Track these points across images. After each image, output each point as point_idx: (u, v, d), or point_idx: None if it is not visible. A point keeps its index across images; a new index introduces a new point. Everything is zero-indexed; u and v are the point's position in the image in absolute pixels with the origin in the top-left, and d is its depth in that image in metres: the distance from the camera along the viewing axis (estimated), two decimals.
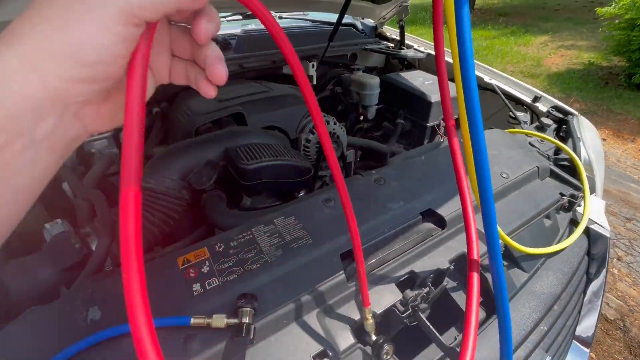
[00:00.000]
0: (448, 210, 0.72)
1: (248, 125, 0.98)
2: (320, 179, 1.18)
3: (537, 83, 4.87)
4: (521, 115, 1.18)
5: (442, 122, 1.44)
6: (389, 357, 0.50)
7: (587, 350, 0.76)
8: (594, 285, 0.85)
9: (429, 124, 1.42)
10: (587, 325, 0.79)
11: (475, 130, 0.37)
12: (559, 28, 7.06)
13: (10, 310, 0.56)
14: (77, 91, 0.23)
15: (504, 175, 0.84)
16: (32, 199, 0.25)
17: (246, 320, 0.45)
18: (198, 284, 0.52)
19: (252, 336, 0.44)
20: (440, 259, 0.67)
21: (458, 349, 0.56)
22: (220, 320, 0.45)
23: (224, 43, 1.29)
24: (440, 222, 0.70)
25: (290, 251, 0.58)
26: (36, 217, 0.79)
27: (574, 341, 0.76)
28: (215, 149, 0.83)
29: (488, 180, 0.38)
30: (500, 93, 1.28)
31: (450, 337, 0.63)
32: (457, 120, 1.49)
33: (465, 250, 0.68)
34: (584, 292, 0.85)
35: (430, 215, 0.71)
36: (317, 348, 0.50)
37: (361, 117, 1.73)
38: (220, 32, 1.37)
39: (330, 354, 0.50)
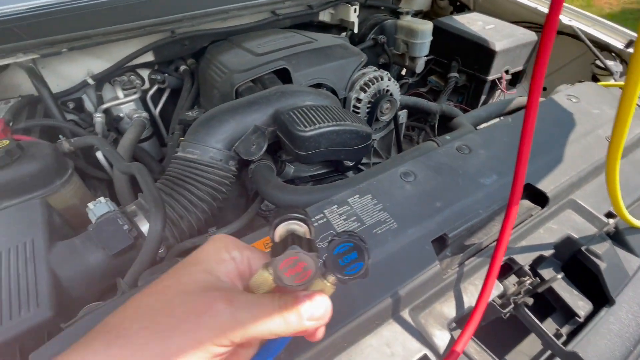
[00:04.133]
0: (549, 184, 0.60)
1: (294, 83, 0.84)
2: None
3: None
4: (612, 64, 0.99)
5: (504, 74, 1.25)
6: None
7: None
8: None
9: (490, 77, 1.23)
10: None
11: None
12: None
13: (63, 299, 0.51)
14: None
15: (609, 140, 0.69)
16: None
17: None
18: None
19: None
20: (540, 243, 0.57)
21: (570, 348, 0.48)
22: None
23: None
24: (541, 199, 0.59)
25: (373, 238, 0.49)
26: (75, 190, 0.73)
27: None
28: (262, 112, 0.71)
29: None
30: (585, 39, 1.07)
31: (550, 329, 0.55)
32: (520, 73, 1.28)
33: (571, 233, 0.57)
34: None
35: (529, 191, 0.59)
36: (416, 352, 0.43)
37: (403, 72, 1.55)
38: None
39: (432, 359, 0.43)
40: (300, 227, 0.28)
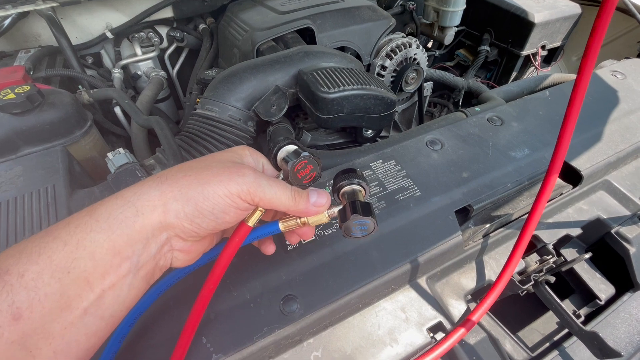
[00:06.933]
0: (584, 163, 0.56)
1: (317, 44, 0.80)
2: None
3: None
4: None
5: (540, 50, 1.17)
6: None
7: None
8: None
9: (524, 53, 1.15)
10: None
11: None
12: None
13: None
14: (181, 228, 0.28)
15: None
16: (108, 334, 0.26)
17: (360, 198, 0.32)
18: None
19: (373, 215, 0.31)
20: (568, 222, 0.54)
21: (590, 329, 0.47)
22: (319, 217, 0.33)
23: None
24: (574, 178, 0.56)
25: (394, 204, 0.48)
26: (94, 143, 0.73)
27: None
28: (285, 72, 0.68)
29: None
30: (636, 13, 0.98)
31: (567, 309, 0.54)
32: (557, 49, 1.19)
33: (601, 215, 0.54)
34: None
35: (563, 168, 0.56)
36: (431, 319, 0.42)
37: (429, 44, 1.47)
38: None
39: (447, 327, 0.42)
40: (297, 146, 0.35)
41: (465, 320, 0.42)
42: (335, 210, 0.33)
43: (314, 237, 0.44)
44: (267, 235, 0.34)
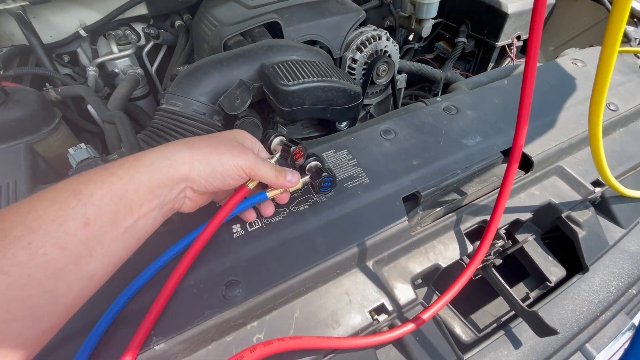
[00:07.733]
0: (536, 149, 0.57)
1: (285, 38, 0.81)
2: (364, 108, 1.04)
3: None
4: (632, 30, 0.91)
5: (515, 40, 1.17)
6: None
7: None
8: None
9: (499, 43, 1.16)
10: None
11: None
12: None
13: None
14: (198, 182, 0.36)
15: (612, 107, 0.65)
16: (133, 251, 0.34)
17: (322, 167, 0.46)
18: (239, 225, 0.45)
19: (333, 177, 0.45)
20: (519, 207, 0.56)
21: (536, 309, 0.48)
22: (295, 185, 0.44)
23: None
24: (526, 164, 0.57)
25: (343, 192, 0.49)
26: (63, 139, 0.74)
27: None
28: (248, 66, 0.69)
29: None
30: (605, 1, 0.98)
31: (520, 292, 0.56)
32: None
33: (552, 199, 0.56)
34: None
35: None
36: (374, 302, 0.44)
37: (410, 37, 1.48)
38: None
39: (389, 308, 0.43)
40: (284, 137, 0.47)
41: (415, 317, 0.42)
42: (307, 178, 0.45)
43: (261, 225, 0.45)
44: (257, 202, 0.43)
